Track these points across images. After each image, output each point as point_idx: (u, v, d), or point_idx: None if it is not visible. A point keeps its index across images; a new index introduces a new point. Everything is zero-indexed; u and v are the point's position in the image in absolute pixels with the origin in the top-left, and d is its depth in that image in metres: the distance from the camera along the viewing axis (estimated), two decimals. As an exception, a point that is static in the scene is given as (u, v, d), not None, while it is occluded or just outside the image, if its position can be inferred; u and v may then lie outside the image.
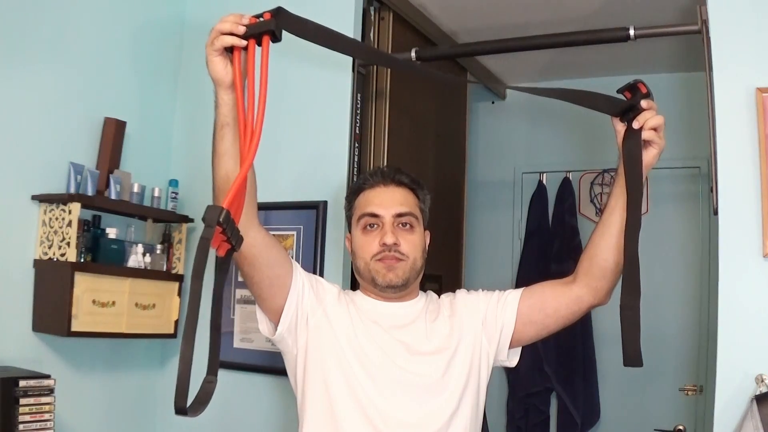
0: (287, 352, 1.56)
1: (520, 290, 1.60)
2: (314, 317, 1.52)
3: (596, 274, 1.50)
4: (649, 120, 1.38)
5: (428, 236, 1.65)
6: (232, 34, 1.20)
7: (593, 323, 3.38)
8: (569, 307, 1.54)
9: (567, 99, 1.42)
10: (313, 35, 1.24)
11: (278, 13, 1.18)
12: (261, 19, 1.18)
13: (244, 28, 1.19)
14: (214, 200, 1.36)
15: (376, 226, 1.56)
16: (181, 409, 0.98)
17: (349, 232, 1.65)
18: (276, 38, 1.18)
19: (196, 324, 1.00)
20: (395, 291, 1.56)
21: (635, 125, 1.38)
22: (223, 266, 1.11)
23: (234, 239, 1.06)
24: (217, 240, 1.03)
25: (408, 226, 1.57)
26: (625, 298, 1.30)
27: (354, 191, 1.65)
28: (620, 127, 1.43)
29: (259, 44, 1.19)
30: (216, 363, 1.13)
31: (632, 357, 1.27)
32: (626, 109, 1.41)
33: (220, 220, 1.01)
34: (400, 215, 1.56)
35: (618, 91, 1.43)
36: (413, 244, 1.57)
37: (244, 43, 1.19)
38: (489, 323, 1.57)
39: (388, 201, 1.57)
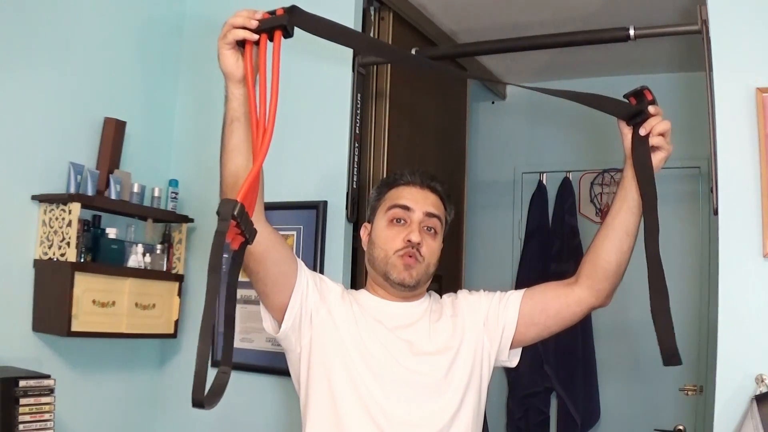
0: (290, 350, 1.56)
1: (521, 291, 1.60)
2: (318, 315, 1.52)
3: (598, 276, 1.51)
4: (656, 126, 1.39)
5: (441, 248, 1.66)
6: (244, 28, 1.20)
7: (593, 323, 3.38)
8: (571, 308, 1.55)
9: (576, 100, 1.42)
10: (328, 33, 1.24)
11: (292, 10, 1.18)
12: (274, 15, 1.19)
13: (257, 22, 1.20)
14: (221, 196, 1.36)
15: (403, 221, 1.57)
16: (198, 402, 0.99)
17: (368, 222, 1.66)
18: (288, 34, 1.19)
19: (214, 319, 1.01)
20: (404, 290, 1.56)
21: (642, 132, 1.40)
22: (237, 259, 1.12)
23: (248, 232, 1.06)
24: (231, 233, 1.04)
25: (433, 231, 1.59)
26: (654, 302, 1.31)
27: (387, 183, 1.66)
28: (626, 131, 1.44)
29: (271, 39, 1.19)
30: (230, 355, 1.14)
31: (670, 357, 1.29)
32: (633, 114, 1.41)
33: (235, 213, 1.01)
34: (429, 215, 1.58)
35: (624, 96, 1.43)
36: (432, 250, 1.58)
37: (255, 37, 1.20)
38: (491, 323, 1.57)
39: (422, 200, 1.59)
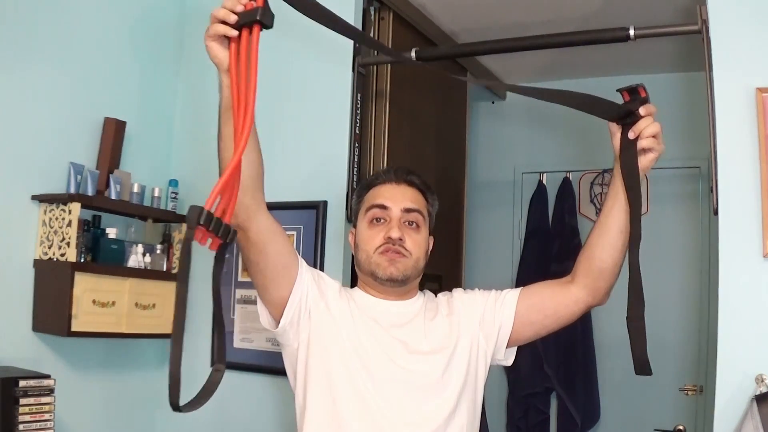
0: (287, 345, 1.55)
1: (518, 290, 1.59)
2: (317, 311, 1.51)
3: (594, 274, 1.50)
4: (646, 129, 1.37)
5: (432, 242, 1.65)
6: (224, 22, 1.20)
7: (593, 324, 3.38)
8: (568, 307, 1.54)
9: (565, 102, 1.40)
10: (312, 13, 1.22)
11: (266, 3, 1.17)
12: (254, 3, 1.18)
13: (236, 17, 1.19)
14: None
15: (383, 220, 1.56)
16: (175, 406, 0.99)
17: (354, 226, 1.66)
18: (266, 26, 1.18)
19: (184, 325, 1.02)
20: (394, 285, 1.55)
21: (631, 135, 1.38)
22: (219, 259, 1.11)
23: (223, 235, 1.05)
24: (205, 238, 1.03)
25: (414, 224, 1.57)
26: (631, 310, 1.31)
27: (364, 186, 1.65)
28: (615, 129, 1.43)
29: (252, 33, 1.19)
30: (223, 352, 1.14)
31: (642, 366, 1.30)
32: (624, 115, 1.39)
33: (201, 221, 1.00)
34: (408, 210, 1.57)
35: (618, 90, 1.41)
36: (417, 243, 1.57)
37: (235, 33, 1.20)
38: (487, 322, 1.57)
39: (399, 196, 1.58)
